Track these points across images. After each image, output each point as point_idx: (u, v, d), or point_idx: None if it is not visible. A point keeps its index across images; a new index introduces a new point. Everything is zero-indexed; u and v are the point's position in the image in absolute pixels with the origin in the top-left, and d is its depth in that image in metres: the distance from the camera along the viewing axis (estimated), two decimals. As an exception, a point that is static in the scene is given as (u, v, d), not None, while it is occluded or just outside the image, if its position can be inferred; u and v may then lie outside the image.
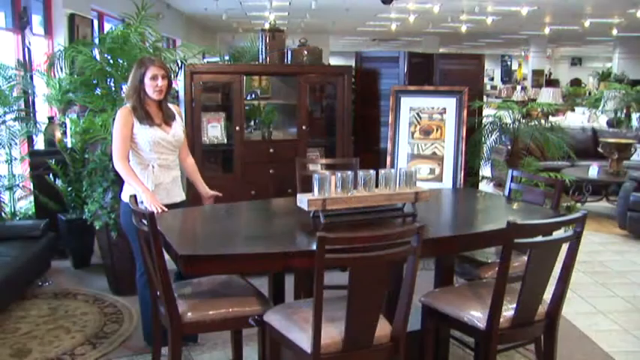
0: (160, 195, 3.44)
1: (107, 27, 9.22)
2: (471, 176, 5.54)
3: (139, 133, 3.41)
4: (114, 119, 3.51)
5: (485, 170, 6.38)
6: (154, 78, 3.36)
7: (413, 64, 5.54)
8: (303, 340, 2.42)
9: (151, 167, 3.46)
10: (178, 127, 3.55)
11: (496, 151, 6.39)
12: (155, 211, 3.05)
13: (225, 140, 4.97)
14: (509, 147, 5.81)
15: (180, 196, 3.62)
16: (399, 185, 3.15)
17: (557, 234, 2.77)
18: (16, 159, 5.48)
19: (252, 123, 5.33)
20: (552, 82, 23.88)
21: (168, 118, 3.50)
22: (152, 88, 3.37)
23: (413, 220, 3.06)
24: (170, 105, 3.62)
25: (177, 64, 5.02)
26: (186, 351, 3.59)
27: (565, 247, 2.70)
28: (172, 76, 4.80)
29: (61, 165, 5.20)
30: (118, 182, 4.42)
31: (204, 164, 4.88)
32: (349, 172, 3.03)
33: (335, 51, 25.65)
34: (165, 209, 3.26)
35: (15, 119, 5.42)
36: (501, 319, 2.64)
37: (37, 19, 6.97)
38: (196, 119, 4.77)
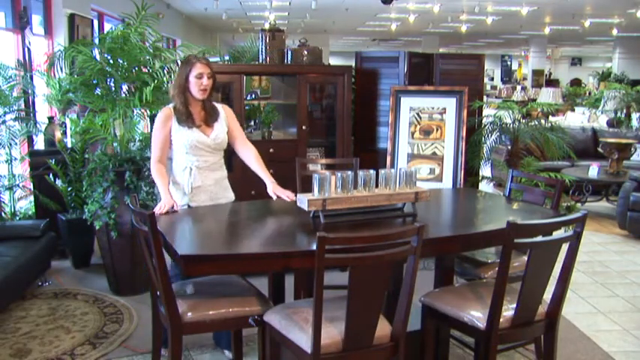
0: (202, 197, 3.42)
1: (107, 27, 9.22)
2: (471, 176, 5.54)
3: (175, 135, 3.37)
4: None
5: (485, 170, 6.38)
6: (200, 76, 3.30)
7: (413, 64, 5.54)
8: (303, 340, 2.42)
9: (188, 169, 3.40)
10: (221, 130, 3.46)
11: (496, 151, 6.39)
12: (156, 212, 3.05)
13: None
14: (509, 147, 5.81)
15: (225, 197, 3.55)
16: (399, 185, 3.15)
17: (557, 234, 2.77)
18: (16, 159, 5.47)
19: (252, 123, 5.34)
20: (552, 82, 23.92)
21: (210, 119, 3.43)
22: (197, 86, 3.31)
23: (413, 220, 3.06)
24: (218, 105, 3.55)
25: (177, 64, 5.02)
26: (187, 351, 3.59)
27: (565, 247, 2.70)
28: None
29: (61, 165, 5.20)
30: (118, 182, 4.43)
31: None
32: (349, 172, 3.03)
33: (335, 51, 25.68)
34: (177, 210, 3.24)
35: (15, 119, 5.42)
36: (501, 319, 2.64)
37: (37, 19, 6.96)
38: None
